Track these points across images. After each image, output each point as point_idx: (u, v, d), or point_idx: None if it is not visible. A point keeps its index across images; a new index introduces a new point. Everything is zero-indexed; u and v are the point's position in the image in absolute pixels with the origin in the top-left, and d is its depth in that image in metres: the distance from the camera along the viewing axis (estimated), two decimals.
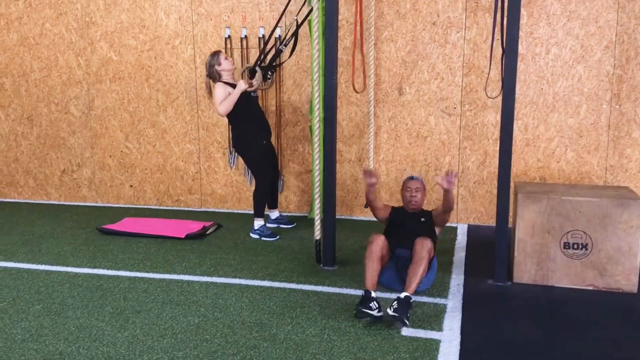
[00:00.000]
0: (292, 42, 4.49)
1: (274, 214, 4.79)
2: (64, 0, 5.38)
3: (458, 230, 4.63)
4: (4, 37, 5.59)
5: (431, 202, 4.70)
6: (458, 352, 2.66)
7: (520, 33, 4.18)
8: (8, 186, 5.91)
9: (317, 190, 3.80)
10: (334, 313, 3.08)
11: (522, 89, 4.49)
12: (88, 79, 5.48)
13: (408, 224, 3.46)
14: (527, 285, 3.46)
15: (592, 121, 4.44)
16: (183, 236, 4.44)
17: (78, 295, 3.40)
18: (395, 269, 3.35)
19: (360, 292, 3.29)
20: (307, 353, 2.66)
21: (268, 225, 4.69)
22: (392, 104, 4.80)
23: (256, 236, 4.48)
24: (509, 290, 3.42)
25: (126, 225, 4.76)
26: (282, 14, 4.47)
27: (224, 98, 4.24)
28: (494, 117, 4.58)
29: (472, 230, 4.65)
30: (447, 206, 3.39)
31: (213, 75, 4.34)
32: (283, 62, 4.78)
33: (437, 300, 3.26)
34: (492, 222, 4.62)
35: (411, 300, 2.97)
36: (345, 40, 4.76)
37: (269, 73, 4.53)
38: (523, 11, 4.31)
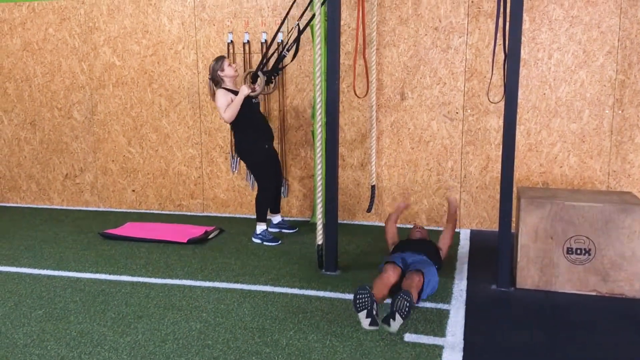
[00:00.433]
0: (294, 47, 4.49)
1: (276, 219, 4.79)
2: (68, 5, 5.41)
3: (461, 236, 4.61)
4: (8, 42, 5.61)
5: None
6: (461, 358, 2.65)
7: (523, 38, 4.17)
8: (10, 191, 5.92)
9: (319, 195, 3.80)
10: (336, 318, 3.07)
11: (525, 94, 4.49)
12: (91, 84, 5.49)
13: (414, 243, 3.68)
14: (530, 290, 3.45)
15: (595, 126, 4.44)
16: (185, 241, 4.44)
17: (80, 300, 3.39)
18: (400, 257, 3.38)
19: None
20: (309, 359, 2.65)
21: (270, 230, 4.68)
22: (394, 109, 4.80)
23: (258, 241, 4.47)
24: (512, 295, 3.41)
25: (128, 230, 4.77)
26: (283, 20, 4.48)
27: (227, 104, 4.25)
28: (496, 122, 4.58)
29: (474, 236, 4.63)
30: (451, 225, 3.80)
31: (216, 80, 4.36)
32: (285, 66, 4.78)
33: (440, 305, 3.25)
34: (494, 227, 4.61)
35: (411, 300, 2.79)
36: (347, 45, 4.77)
37: (272, 78, 4.54)
38: (525, 16, 4.32)
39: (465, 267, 3.89)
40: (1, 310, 3.26)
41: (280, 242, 4.46)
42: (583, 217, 3.31)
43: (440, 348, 2.74)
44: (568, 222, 3.34)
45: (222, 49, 5.07)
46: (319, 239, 3.77)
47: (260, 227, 4.48)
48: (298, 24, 4.40)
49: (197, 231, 4.63)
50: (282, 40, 4.80)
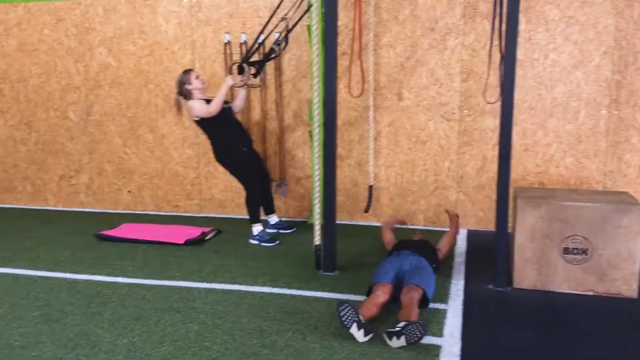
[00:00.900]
0: (284, 42, 4.50)
1: (273, 219, 4.78)
2: (63, 6, 5.39)
3: (458, 236, 4.61)
4: (3, 43, 5.58)
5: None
6: (459, 358, 2.65)
7: (519, 39, 4.17)
8: (6, 192, 5.89)
9: (317, 195, 3.79)
10: (334, 319, 3.06)
11: (521, 94, 4.50)
12: (87, 85, 5.47)
13: (412, 244, 3.69)
14: (527, 290, 3.46)
15: (591, 126, 4.45)
16: (182, 242, 4.43)
17: (76, 301, 3.38)
18: (394, 267, 3.30)
19: (361, 298, 3.27)
20: None
21: (267, 230, 4.67)
22: (391, 109, 4.80)
23: (256, 242, 4.46)
24: (510, 295, 3.41)
25: (124, 231, 4.75)
26: (271, 16, 4.46)
27: (206, 104, 4.26)
28: (492, 123, 4.59)
29: (471, 236, 4.64)
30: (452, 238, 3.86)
31: (184, 94, 4.38)
32: (273, 58, 4.73)
33: (438, 305, 3.25)
34: (491, 227, 4.62)
35: (423, 334, 2.70)
36: (344, 45, 4.77)
37: (260, 70, 4.51)
38: (521, 17, 4.32)
39: (463, 267, 3.90)
40: None
41: (277, 242, 4.45)
42: (579, 217, 3.32)
43: (438, 348, 2.74)
44: (564, 222, 3.35)
45: (219, 49, 5.06)
46: (317, 240, 3.77)
47: (257, 228, 4.47)
48: (287, 18, 4.40)
49: (194, 232, 4.62)
50: (278, 37, 4.78)
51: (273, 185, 5.04)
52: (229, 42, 4.99)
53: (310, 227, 4.62)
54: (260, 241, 4.44)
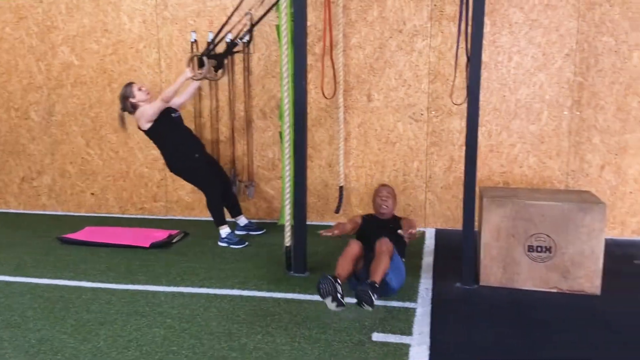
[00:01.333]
0: (247, 36, 4.48)
1: (242, 221, 4.73)
2: (25, 4, 5.22)
3: (426, 235, 4.67)
4: None
5: (402, 209, 4.73)
6: (428, 356, 2.67)
7: (484, 41, 4.25)
8: None
9: (287, 196, 3.78)
10: (304, 321, 3.05)
11: (486, 96, 4.57)
12: (49, 84, 5.32)
13: (378, 231, 3.53)
14: (493, 288, 3.52)
15: (554, 127, 4.56)
16: (148, 245, 4.34)
17: (39, 306, 3.28)
18: (365, 276, 3.34)
19: None
20: None
21: (237, 232, 4.63)
22: (361, 110, 4.82)
23: (224, 244, 4.41)
24: (476, 293, 3.46)
25: (88, 234, 4.63)
26: (234, 10, 4.42)
27: (155, 103, 4.20)
28: (459, 124, 4.65)
29: (439, 235, 4.70)
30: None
31: (128, 109, 4.33)
32: (235, 53, 4.71)
33: (407, 304, 3.27)
34: (458, 226, 4.67)
35: (376, 285, 3.01)
36: (314, 46, 4.77)
37: (222, 63, 4.46)
38: (486, 20, 4.40)
39: (431, 265, 3.94)
40: None
41: (247, 244, 4.41)
42: (543, 215, 3.40)
43: (407, 346, 2.76)
44: (529, 221, 3.42)
45: (186, 47, 4.99)
46: (287, 241, 3.75)
47: (224, 231, 4.42)
48: (251, 14, 4.37)
49: (160, 235, 4.54)
50: (248, 38, 4.76)
51: (241, 186, 5.00)
52: (195, 41, 4.93)
53: (280, 228, 4.59)
54: (229, 243, 4.40)
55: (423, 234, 3.67)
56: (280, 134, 4.85)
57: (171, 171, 4.49)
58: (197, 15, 4.96)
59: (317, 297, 3.34)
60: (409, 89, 4.71)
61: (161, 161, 5.20)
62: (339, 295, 2.93)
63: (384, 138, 4.82)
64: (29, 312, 3.19)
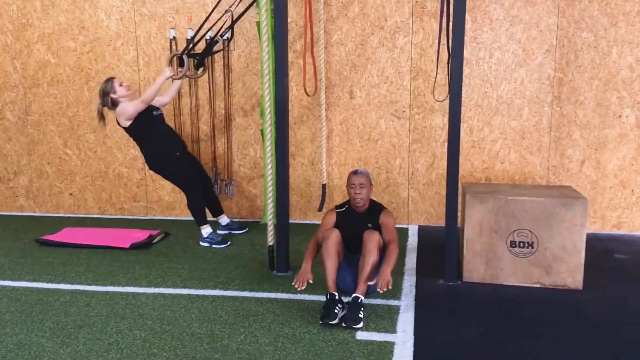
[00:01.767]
0: (228, 33, 4.43)
1: (224, 220, 4.68)
2: None
3: (409, 232, 4.66)
4: None
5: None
6: (412, 354, 2.66)
7: (465, 38, 4.26)
8: None
9: (269, 195, 3.74)
10: (288, 320, 3.02)
11: (467, 92, 4.58)
12: (24, 83, 5.20)
13: (356, 231, 3.30)
14: (476, 284, 3.52)
15: (534, 123, 4.58)
16: (127, 246, 4.26)
17: (16, 310, 3.20)
18: (349, 271, 3.31)
19: (315, 297, 3.26)
20: None
21: (219, 232, 4.58)
22: (343, 107, 4.79)
23: (206, 244, 4.36)
24: (460, 289, 3.47)
25: (66, 235, 4.54)
26: (214, 7, 4.37)
27: (136, 103, 4.13)
28: (441, 120, 4.65)
29: (422, 231, 4.70)
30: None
31: (107, 104, 4.24)
32: (216, 52, 4.66)
33: (391, 302, 3.26)
34: (441, 223, 4.69)
35: (360, 301, 2.97)
36: (295, 43, 4.73)
37: (203, 62, 4.41)
38: (467, 16, 4.40)
39: (414, 262, 3.93)
40: None
41: (229, 243, 4.36)
42: (525, 211, 3.41)
43: (391, 345, 2.75)
44: (511, 216, 3.43)
45: (164, 45, 4.91)
46: (270, 240, 3.71)
47: (206, 231, 4.36)
48: (231, 11, 4.32)
49: (140, 235, 4.46)
50: (228, 35, 4.70)
51: (222, 185, 4.94)
52: (174, 38, 4.86)
53: (263, 227, 4.55)
54: (211, 243, 4.34)
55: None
56: (262, 131, 4.81)
57: (151, 169, 4.41)
58: (176, 12, 4.88)
59: (300, 296, 3.34)
60: (390, 85, 4.70)
61: (141, 160, 5.13)
62: (337, 319, 2.94)
63: (366, 135, 4.80)
64: (6, 316, 3.11)
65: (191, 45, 4.37)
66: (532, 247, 3.43)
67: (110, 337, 2.86)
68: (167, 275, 3.74)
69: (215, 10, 4.46)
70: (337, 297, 2.98)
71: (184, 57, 4.26)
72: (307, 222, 4.99)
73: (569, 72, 4.48)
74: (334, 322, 2.91)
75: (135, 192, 5.23)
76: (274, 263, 3.74)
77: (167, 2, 4.88)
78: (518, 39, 4.49)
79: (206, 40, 4.49)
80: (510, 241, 3.45)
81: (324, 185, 4.84)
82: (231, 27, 4.36)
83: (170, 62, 4.47)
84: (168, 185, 5.15)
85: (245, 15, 4.46)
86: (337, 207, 3.46)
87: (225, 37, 4.53)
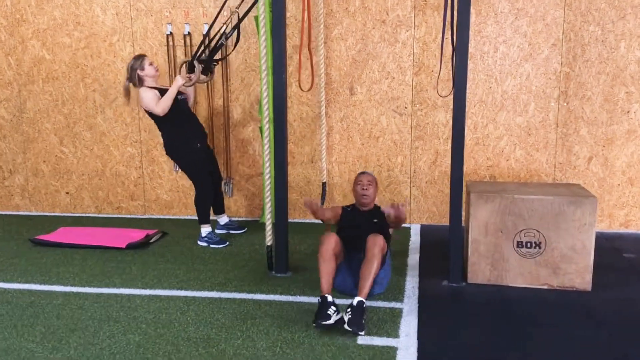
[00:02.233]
0: (234, 35, 4.30)
1: (223, 220, 4.58)
2: None
3: (411, 231, 4.56)
4: None
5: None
6: (415, 359, 2.56)
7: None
8: None
9: (267, 193, 3.63)
10: (287, 323, 2.92)
11: (471, 87, 4.47)
12: (19, 80, 5.11)
13: (360, 226, 3.34)
14: (482, 285, 3.42)
15: (541, 119, 4.47)
16: (124, 246, 4.17)
17: (7, 313, 3.11)
18: (349, 272, 3.23)
19: (314, 300, 3.15)
20: None
21: (217, 231, 4.48)
22: (343, 104, 4.69)
23: (204, 244, 4.26)
24: (464, 291, 3.36)
25: (62, 235, 4.44)
26: (221, 8, 4.26)
27: (157, 99, 4.01)
28: (444, 117, 4.54)
29: (425, 231, 4.59)
30: (398, 222, 3.34)
31: (134, 80, 4.10)
32: (226, 56, 4.57)
33: (393, 304, 3.16)
34: (444, 222, 4.59)
35: (364, 306, 2.86)
36: (294, 38, 4.62)
37: (211, 66, 4.29)
38: (471, 9, 4.28)
39: (417, 263, 3.83)
40: None
41: (227, 244, 4.26)
42: (533, 210, 3.30)
43: (394, 350, 2.64)
44: (518, 216, 3.32)
45: (161, 40, 4.81)
46: (268, 240, 3.61)
47: (205, 230, 4.26)
48: (237, 11, 4.21)
49: (137, 235, 4.36)
50: (224, 31, 4.58)
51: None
52: (171, 34, 4.75)
53: (262, 226, 4.45)
54: (209, 243, 4.24)
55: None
56: (260, 129, 4.69)
57: (167, 154, 4.29)
58: (173, 7, 4.77)
59: (299, 299, 3.24)
60: (392, 81, 4.59)
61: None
62: (331, 320, 2.80)
63: (367, 132, 4.69)
64: None
65: (200, 50, 4.24)
66: (540, 248, 3.32)
67: (103, 341, 2.77)
68: (163, 276, 3.64)
69: (215, 8, 4.35)
70: (329, 300, 2.85)
71: (195, 62, 4.14)
72: (307, 221, 4.89)
73: (576, 66, 4.36)
74: (327, 322, 2.77)
75: (132, 191, 5.14)
76: (273, 263, 3.64)
77: None
78: (524, 33, 4.37)
79: (205, 35, 4.36)
80: (517, 241, 3.34)
81: (324, 184, 4.73)
82: (237, 26, 4.22)
83: (180, 69, 4.33)
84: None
85: (239, 6, 4.33)
86: (343, 206, 3.57)
87: (229, 38, 4.36)
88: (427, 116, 4.59)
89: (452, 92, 3.29)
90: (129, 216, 5.14)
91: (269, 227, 3.61)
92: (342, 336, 2.76)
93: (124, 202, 5.16)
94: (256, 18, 4.32)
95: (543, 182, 4.49)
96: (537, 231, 3.30)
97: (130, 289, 3.42)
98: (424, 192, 4.71)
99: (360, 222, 3.37)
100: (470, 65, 4.40)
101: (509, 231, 3.35)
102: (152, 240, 4.34)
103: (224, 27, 4.20)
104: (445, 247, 3.48)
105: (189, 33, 4.74)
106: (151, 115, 4.14)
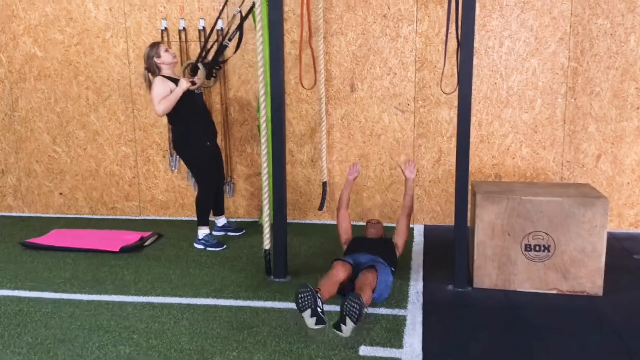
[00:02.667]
0: (236, 36, 4.15)
1: (221, 221, 4.45)
2: None
3: (414, 232, 4.43)
4: None
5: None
6: None
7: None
8: None
9: (266, 194, 3.49)
10: (285, 333, 2.79)
11: (476, 83, 4.31)
12: (10, 78, 4.97)
13: (369, 243, 3.43)
14: (488, 290, 3.28)
15: (547, 116, 4.32)
16: (117, 249, 4.04)
17: None
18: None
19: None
20: None
21: (214, 233, 4.35)
22: (344, 101, 4.54)
23: (201, 246, 4.12)
24: (470, 296, 3.23)
25: (53, 238, 4.31)
26: (224, 5, 4.11)
27: (164, 95, 3.86)
28: (447, 114, 4.40)
29: (428, 231, 4.46)
30: (408, 205, 3.43)
31: (152, 69, 3.95)
32: (228, 59, 4.43)
33: (396, 311, 3.03)
34: (448, 222, 4.47)
35: (363, 300, 2.67)
36: (292, 33, 4.47)
37: (214, 70, 4.15)
38: (476, 2, 4.13)
39: (421, 266, 3.70)
40: None
41: (225, 246, 4.13)
42: (541, 212, 3.16)
43: None
44: (526, 218, 3.19)
45: (155, 36, 4.66)
46: (266, 243, 3.47)
47: (203, 232, 4.13)
48: (240, 10, 4.06)
49: (131, 237, 4.23)
50: (222, 28, 4.44)
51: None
52: (166, 29, 4.61)
53: (260, 227, 4.31)
54: (206, 246, 4.11)
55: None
56: (259, 127, 4.57)
57: (174, 149, 4.16)
58: (167, 2, 4.62)
59: None
60: (394, 77, 4.44)
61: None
62: (319, 310, 2.62)
63: (369, 130, 4.55)
64: None
65: (204, 53, 4.09)
66: (549, 251, 3.18)
67: (92, 353, 2.64)
68: (157, 281, 3.51)
69: (211, 3, 4.21)
70: (319, 295, 2.70)
71: (199, 65, 3.99)
72: (307, 221, 4.75)
73: (584, 61, 4.21)
74: (314, 307, 2.60)
75: (127, 191, 5.00)
76: (271, 268, 3.51)
77: None
78: (530, 27, 4.22)
79: (200, 31, 4.22)
80: (525, 244, 3.21)
81: (324, 183, 4.59)
82: (240, 27, 4.06)
83: (184, 72, 4.18)
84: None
85: (242, 4, 4.19)
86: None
87: (232, 39, 4.19)
88: (430, 113, 4.45)
89: (457, 90, 3.15)
90: (123, 217, 5.01)
91: (266, 230, 3.47)
92: (344, 348, 2.63)
93: (118, 203, 5.03)
94: (253, 12, 4.17)
95: (551, 181, 4.35)
96: (546, 234, 3.17)
97: (122, 296, 3.29)
98: (427, 191, 4.58)
99: (369, 241, 3.49)
100: (474, 61, 4.23)
101: (516, 234, 3.21)
102: (146, 243, 4.20)
103: (226, 28, 4.05)
104: (450, 249, 3.35)
105: (184, 28, 4.59)
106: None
